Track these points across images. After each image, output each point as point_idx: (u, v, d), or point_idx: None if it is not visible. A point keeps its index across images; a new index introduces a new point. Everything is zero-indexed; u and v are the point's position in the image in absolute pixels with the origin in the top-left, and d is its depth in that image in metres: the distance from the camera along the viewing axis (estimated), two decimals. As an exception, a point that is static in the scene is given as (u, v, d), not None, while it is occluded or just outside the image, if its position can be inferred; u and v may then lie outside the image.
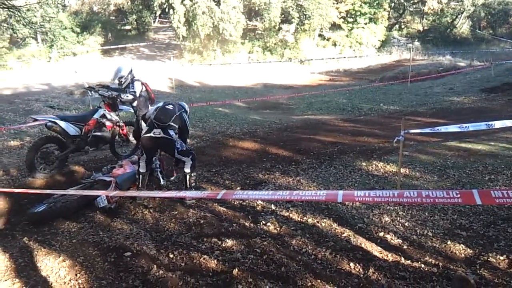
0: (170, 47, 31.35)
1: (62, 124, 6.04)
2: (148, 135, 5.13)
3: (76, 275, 3.40)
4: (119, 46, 29.18)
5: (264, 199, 4.87)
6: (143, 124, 5.92)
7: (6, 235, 4.20)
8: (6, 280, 3.32)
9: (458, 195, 2.13)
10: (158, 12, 33.75)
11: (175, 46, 30.77)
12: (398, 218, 4.42)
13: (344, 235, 4.07)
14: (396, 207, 4.66)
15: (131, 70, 6.86)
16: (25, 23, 14.12)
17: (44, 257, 3.68)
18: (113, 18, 33.51)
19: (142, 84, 6.84)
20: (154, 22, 37.05)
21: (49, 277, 3.37)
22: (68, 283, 3.28)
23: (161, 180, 5.62)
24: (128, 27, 34.27)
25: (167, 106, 5.33)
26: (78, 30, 28.09)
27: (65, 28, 26.92)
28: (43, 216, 4.50)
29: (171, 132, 5.16)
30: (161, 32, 36.66)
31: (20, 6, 11.67)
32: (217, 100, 14.21)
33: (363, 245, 3.86)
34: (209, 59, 27.28)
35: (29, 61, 24.25)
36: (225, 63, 26.24)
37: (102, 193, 4.52)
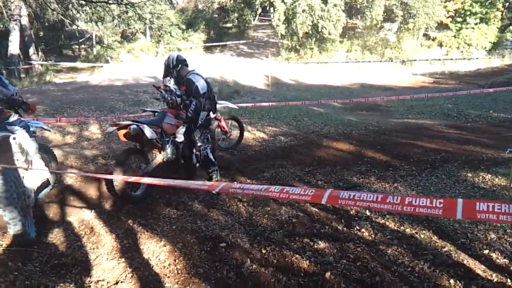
0: (268, 45, 31.88)
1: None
2: None
3: (175, 260, 3.57)
4: (220, 43, 30.38)
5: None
6: None
7: (113, 216, 4.52)
8: (112, 259, 3.58)
9: None
10: (259, 10, 34.48)
11: (273, 44, 31.22)
12: (505, 236, 4.02)
13: (444, 249, 3.80)
14: (503, 224, 4.26)
15: None
16: (135, 19, 15.24)
17: (147, 241, 3.92)
18: (216, 16, 34.94)
19: None
20: (254, 20, 37.90)
21: (150, 260, 3.58)
22: (167, 267, 3.46)
23: None
24: (229, 25, 35.54)
25: None
26: (184, 27, 29.76)
27: (172, 25, 28.63)
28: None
29: None
30: (260, 30, 37.39)
31: (135, 3, 12.62)
32: (312, 99, 14.11)
33: (465, 262, 3.57)
34: (306, 57, 27.25)
35: (138, 55, 26.25)
36: (322, 62, 26.02)
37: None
